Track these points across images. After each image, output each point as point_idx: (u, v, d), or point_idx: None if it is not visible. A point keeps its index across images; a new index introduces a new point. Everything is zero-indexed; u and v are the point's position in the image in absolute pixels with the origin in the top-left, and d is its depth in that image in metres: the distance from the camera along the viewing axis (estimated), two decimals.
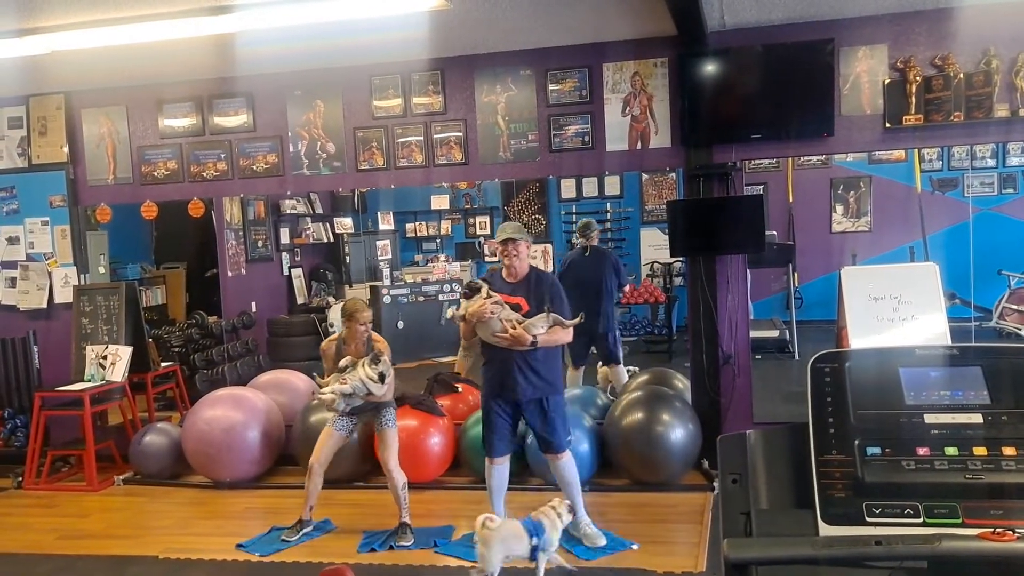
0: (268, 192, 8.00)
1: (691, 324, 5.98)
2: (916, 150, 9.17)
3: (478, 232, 11.40)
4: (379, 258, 11.02)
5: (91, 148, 6.78)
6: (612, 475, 5.68)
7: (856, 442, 1.72)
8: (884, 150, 8.65)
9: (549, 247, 10.70)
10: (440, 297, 10.24)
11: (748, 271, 6.03)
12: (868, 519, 1.62)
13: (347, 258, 11.19)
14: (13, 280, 7.02)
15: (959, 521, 1.57)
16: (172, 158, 6.64)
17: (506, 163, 6.11)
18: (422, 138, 6.20)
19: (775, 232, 9.74)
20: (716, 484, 5.37)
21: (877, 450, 1.70)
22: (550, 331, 4.50)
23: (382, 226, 11.25)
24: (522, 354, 4.53)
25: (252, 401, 6.18)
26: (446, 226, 11.65)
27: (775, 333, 9.27)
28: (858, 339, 4.96)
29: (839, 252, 10.08)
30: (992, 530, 1.43)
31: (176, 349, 8.25)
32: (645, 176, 10.62)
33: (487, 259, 10.89)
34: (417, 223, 11.66)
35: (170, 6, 4.64)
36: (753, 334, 6.07)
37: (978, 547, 1.43)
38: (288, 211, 10.55)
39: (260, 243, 9.93)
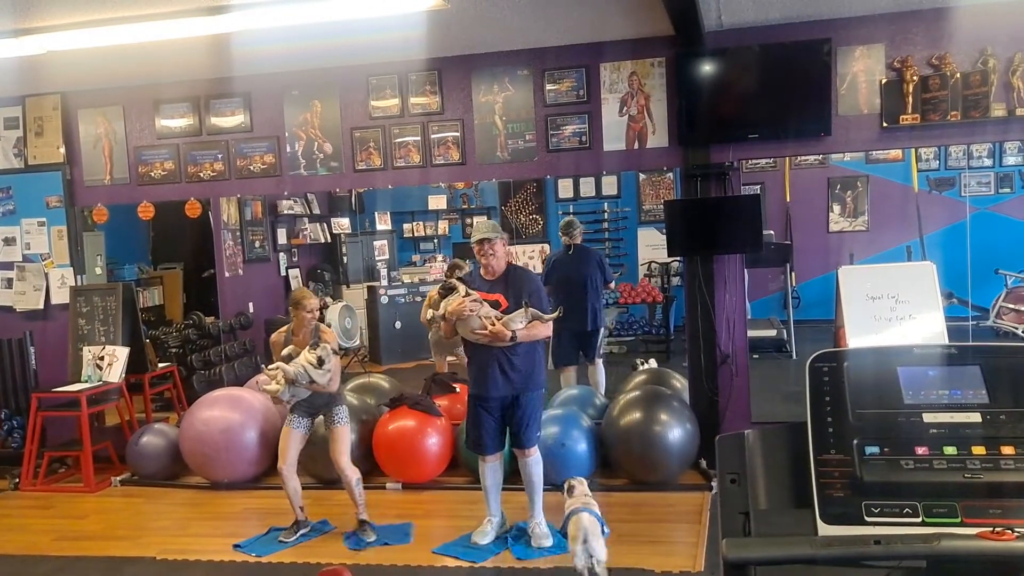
0: (265, 192, 7.98)
1: (689, 324, 5.98)
2: (913, 150, 9.20)
3: None
4: (376, 258, 11.02)
5: (88, 148, 6.77)
6: (610, 475, 5.68)
7: (855, 441, 1.71)
8: (881, 149, 8.67)
9: (546, 247, 10.70)
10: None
11: (745, 271, 6.03)
12: (867, 519, 1.61)
13: (344, 258, 11.18)
14: (10, 281, 7.00)
15: (958, 520, 1.57)
16: (169, 158, 6.63)
17: (503, 163, 6.11)
18: (419, 138, 6.20)
19: (772, 232, 9.75)
20: (714, 484, 5.38)
21: (876, 449, 1.70)
22: (529, 326, 4.54)
23: (379, 226, 11.24)
24: (503, 350, 4.56)
25: (249, 402, 6.17)
26: (443, 226, 11.64)
27: (773, 333, 9.28)
28: (856, 338, 4.95)
29: (836, 252, 10.09)
30: (991, 529, 1.43)
31: (173, 350, 8.24)
32: (642, 176, 10.62)
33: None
34: (414, 223, 11.65)
35: (167, 6, 4.63)
36: (751, 334, 6.08)
37: (977, 546, 1.43)
38: (285, 211, 10.54)
39: (257, 243, 9.92)
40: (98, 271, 7.66)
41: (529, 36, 5.68)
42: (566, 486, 4.32)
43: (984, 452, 1.66)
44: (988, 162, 9.96)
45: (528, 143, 6.03)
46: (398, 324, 9.99)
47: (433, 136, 6.17)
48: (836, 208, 10.59)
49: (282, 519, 5.18)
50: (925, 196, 9.81)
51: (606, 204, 10.71)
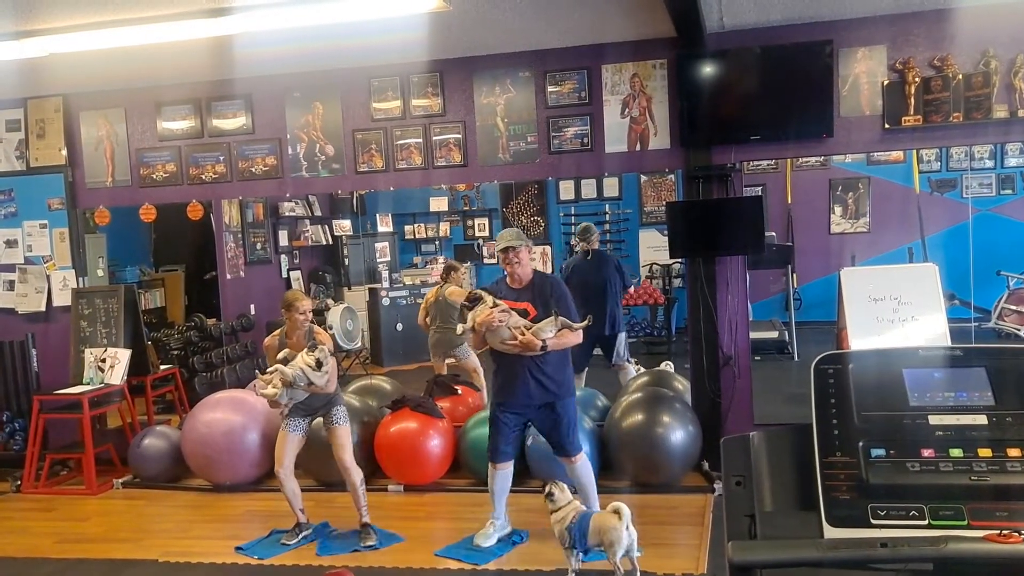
0: (267, 194, 7.97)
1: (691, 325, 5.97)
2: (915, 151, 9.18)
3: (477, 234, 11.38)
4: (378, 260, 11.01)
5: (89, 151, 6.77)
6: (612, 477, 5.66)
7: (860, 444, 1.71)
8: (883, 151, 8.65)
9: (548, 248, 10.69)
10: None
11: (747, 272, 6.02)
12: (873, 521, 1.61)
13: (346, 260, 11.17)
14: (11, 283, 7.01)
15: (965, 523, 1.56)
16: (171, 160, 6.63)
17: (505, 165, 6.11)
18: (421, 140, 6.20)
19: (774, 233, 9.74)
20: (716, 486, 5.37)
21: (881, 452, 1.69)
22: (559, 334, 4.48)
23: (381, 228, 11.23)
24: (533, 359, 4.51)
25: (251, 404, 6.16)
26: (445, 228, 11.63)
27: (774, 334, 9.26)
28: (858, 340, 4.95)
29: (838, 253, 10.08)
30: (998, 532, 1.43)
31: (175, 352, 8.23)
32: (644, 178, 10.61)
33: (486, 261, 10.88)
34: (416, 225, 11.64)
35: (168, 8, 4.63)
36: (752, 335, 6.07)
37: (984, 549, 1.42)
38: (287, 213, 10.53)
39: (259, 245, 9.91)
40: (100, 273, 7.65)
41: (530, 38, 5.68)
42: (546, 491, 4.29)
43: (990, 454, 1.65)
44: (989, 164, 9.95)
45: (530, 145, 6.03)
46: (399, 326, 9.98)
47: (435, 138, 6.17)
48: (837, 210, 10.57)
49: (284, 521, 5.18)
50: (926, 198, 9.79)
51: (607, 206, 10.70)
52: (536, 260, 10.26)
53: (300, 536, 4.99)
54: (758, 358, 7.24)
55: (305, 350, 4.76)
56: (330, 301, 10.22)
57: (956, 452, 1.67)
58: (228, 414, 6.04)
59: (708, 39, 5.48)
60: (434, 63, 6.10)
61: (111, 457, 6.52)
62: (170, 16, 4.71)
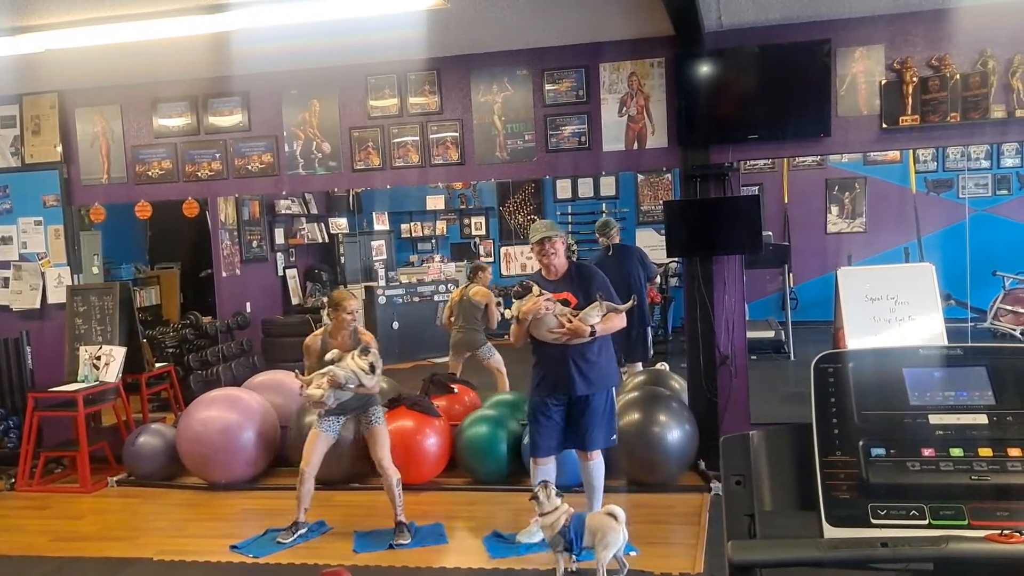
0: (263, 192, 7.97)
1: (688, 325, 5.97)
2: (911, 151, 9.21)
3: (473, 232, 11.39)
4: (374, 258, 11.01)
5: (85, 147, 6.75)
6: (609, 476, 5.58)
7: (860, 443, 1.70)
8: (880, 151, 8.67)
9: None
10: (435, 298, 10.22)
11: (744, 272, 6.02)
12: (873, 521, 1.60)
13: (342, 258, 11.16)
14: (6, 280, 6.98)
15: (965, 523, 1.56)
16: (167, 158, 6.61)
17: (502, 163, 6.10)
18: (418, 138, 6.18)
19: (771, 233, 9.76)
20: (713, 485, 5.37)
21: (882, 451, 1.68)
22: (605, 319, 4.43)
23: (377, 226, 11.23)
24: (577, 348, 4.45)
25: (247, 402, 6.16)
26: (441, 226, 11.64)
27: (771, 334, 9.28)
28: (855, 340, 4.96)
29: (834, 253, 10.09)
30: (999, 532, 1.42)
31: (170, 350, 8.22)
32: (641, 177, 10.62)
33: (482, 259, 10.87)
34: (412, 223, 11.65)
35: (165, 4, 4.61)
36: (749, 335, 6.07)
37: (985, 549, 1.41)
38: (283, 211, 10.52)
39: (255, 243, 9.90)
40: (95, 270, 7.64)
41: (528, 36, 5.67)
42: (532, 494, 4.27)
43: (991, 454, 1.64)
44: (986, 164, 9.96)
45: (527, 143, 6.02)
46: (396, 324, 9.99)
47: (432, 136, 6.16)
48: (834, 209, 10.59)
49: (279, 520, 5.16)
50: (923, 198, 9.81)
51: (604, 205, 10.71)
52: (533, 259, 10.25)
53: (296, 535, 4.97)
54: (754, 357, 7.25)
55: (356, 352, 4.72)
56: (326, 299, 10.20)
57: (956, 452, 1.66)
58: (223, 412, 6.02)
59: (706, 38, 5.47)
60: (431, 61, 6.09)
61: (106, 455, 6.50)
62: (166, 12, 4.69)
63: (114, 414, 6.69)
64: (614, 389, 4.73)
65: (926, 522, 1.58)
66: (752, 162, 8.98)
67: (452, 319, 7.41)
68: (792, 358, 8.96)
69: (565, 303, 4.49)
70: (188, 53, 5.67)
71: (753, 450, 1.80)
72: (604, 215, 7.76)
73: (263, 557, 4.79)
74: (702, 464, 5.68)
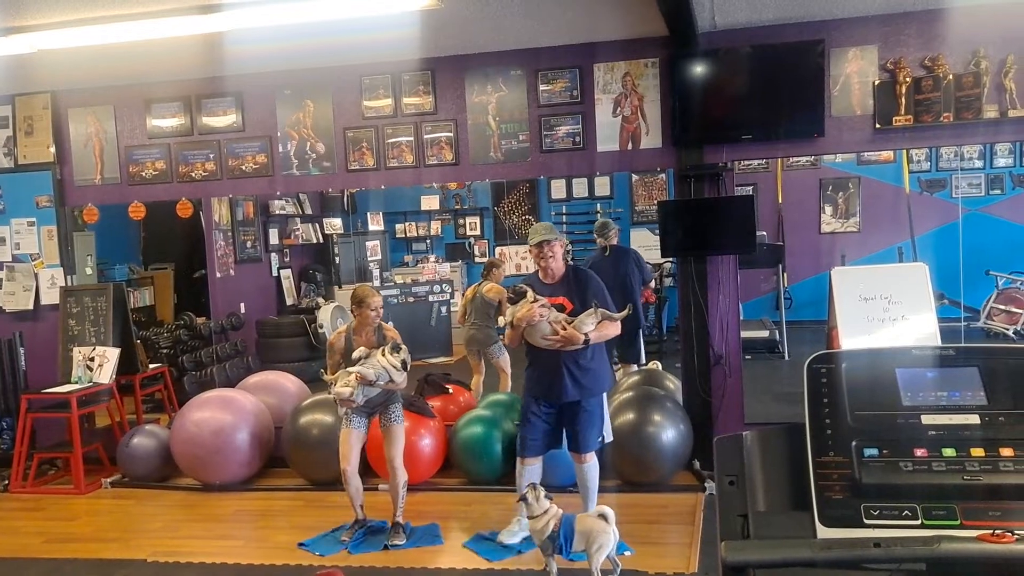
0: (257, 192, 7.94)
1: (682, 325, 5.98)
2: (905, 151, 9.23)
3: (468, 233, 11.38)
4: (369, 259, 10.99)
5: (78, 148, 6.73)
6: (603, 476, 5.59)
7: (853, 443, 1.70)
8: (874, 151, 8.69)
9: None
10: (430, 298, 10.21)
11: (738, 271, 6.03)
12: (866, 521, 1.60)
13: (336, 259, 11.14)
14: None
15: (957, 523, 1.56)
16: (160, 158, 6.59)
17: (497, 163, 6.10)
18: (412, 138, 6.18)
19: (765, 233, 9.77)
20: (707, 485, 5.38)
21: (874, 451, 1.69)
22: (599, 326, 4.43)
23: (372, 227, 11.21)
24: (571, 354, 4.45)
25: (241, 403, 6.15)
26: (436, 227, 11.62)
27: (765, 334, 9.29)
28: (849, 339, 4.97)
29: (828, 253, 10.12)
30: (991, 532, 1.43)
31: (164, 351, 8.20)
32: (635, 177, 10.62)
33: (477, 260, 10.87)
34: (407, 224, 11.63)
35: (158, 4, 4.60)
36: (743, 334, 6.08)
37: (977, 549, 1.42)
38: (277, 212, 10.50)
39: (249, 244, 9.87)
40: (88, 271, 7.59)
41: (522, 36, 5.67)
42: (519, 496, 4.25)
43: (983, 454, 1.65)
44: (979, 163, 9.99)
45: (521, 143, 6.02)
46: (390, 324, 9.96)
47: (426, 136, 6.15)
48: (828, 209, 10.61)
49: (274, 520, 5.16)
50: (916, 197, 9.84)
51: (599, 205, 10.70)
52: (528, 259, 10.25)
53: (358, 532, 4.93)
54: (749, 357, 7.26)
55: (387, 349, 4.71)
56: (321, 300, 10.21)
57: (949, 452, 1.67)
58: (217, 413, 6.01)
59: (700, 38, 5.48)
60: (426, 61, 6.09)
61: (99, 456, 6.49)
62: (160, 12, 4.68)
63: (108, 415, 6.67)
64: (605, 394, 4.74)
65: (919, 522, 1.58)
66: (746, 162, 8.99)
67: (466, 316, 7.41)
68: (786, 358, 8.98)
69: (560, 308, 4.48)
70: (181, 53, 5.66)
71: (747, 450, 1.80)
72: (600, 217, 7.75)
73: (328, 555, 4.75)
74: (696, 464, 5.69)
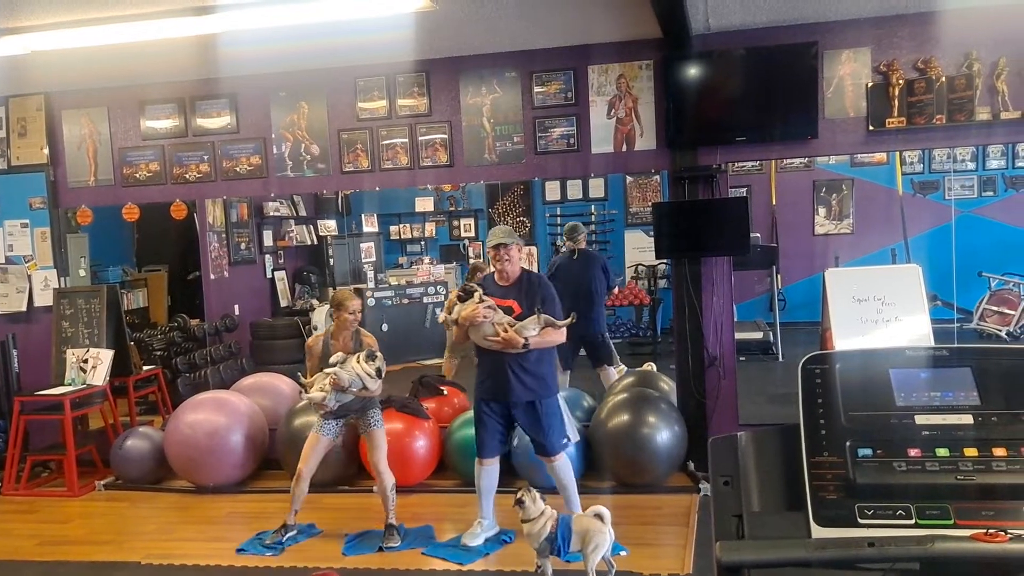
0: (251, 194, 7.93)
1: (676, 326, 5.99)
2: (898, 153, 9.26)
3: (462, 234, 11.38)
4: (363, 260, 10.98)
5: (72, 150, 6.71)
6: (597, 477, 5.67)
7: (847, 444, 1.71)
8: (867, 153, 8.71)
9: (534, 249, 10.69)
10: (425, 299, 10.21)
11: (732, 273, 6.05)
12: (860, 521, 1.61)
13: (331, 260, 11.13)
14: None
15: (951, 522, 1.57)
16: (154, 160, 6.58)
17: (491, 165, 6.10)
18: (407, 140, 6.18)
19: (759, 234, 9.79)
20: (702, 486, 5.39)
21: (868, 452, 1.69)
22: (542, 332, 4.51)
23: (366, 228, 11.21)
24: (515, 356, 4.54)
25: (235, 405, 6.14)
26: (430, 228, 11.62)
27: (759, 335, 9.31)
28: (842, 340, 4.99)
29: (822, 254, 10.14)
30: (984, 531, 1.44)
31: (158, 352, 8.17)
32: (629, 178, 10.63)
33: (471, 262, 10.86)
34: (401, 225, 11.63)
35: (152, 6, 4.60)
36: (737, 336, 6.09)
37: (971, 548, 1.43)
38: (271, 213, 10.48)
39: (243, 245, 9.86)
40: (82, 273, 7.58)
41: (517, 38, 5.68)
42: (516, 498, 4.25)
43: (976, 454, 1.65)
44: (971, 165, 10.03)
45: (516, 145, 6.03)
46: (385, 327, 9.95)
47: (421, 138, 6.16)
48: (821, 211, 10.64)
49: (269, 523, 5.16)
50: (909, 199, 9.87)
51: (593, 207, 10.71)
52: (523, 260, 10.25)
53: (287, 536, 4.96)
54: (743, 359, 7.27)
55: (362, 356, 4.72)
56: (315, 302, 10.20)
57: (942, 452, 1.67)
58: (211, 415, 6.00)
59: (694, 40, 5.50)
60: (420, 63, 6.09)
61: (93, 459, 6.47)
62: (154, 14, 4.68)
63: (101, 417, 6.65)
64: (557, 396, 4.82)
65: (912, 522, 1.59)
66: (740, 164, 9.02)
67: (443, 324, 7.38)
68: (780, 359, 8.99)
69: (509, 310, 4.57)
70: (176, 55, 5.65)
71: (741, 451, 1.80)
72: (571, 221, 7.80)
73: (275, 555, 4.77)
74: (691, 465, 5.70)
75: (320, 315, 9.05)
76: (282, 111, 6.34)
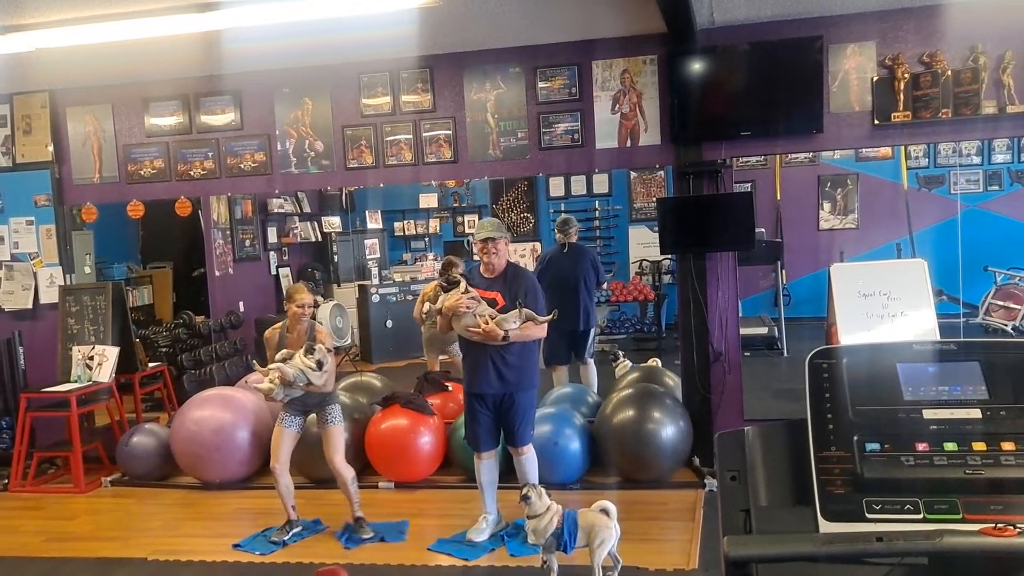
0: (256, 191, 7.96)
1: (681, 321, 5.98)
2: (903, 147, 9.24)
3: (466, 230, 11.38)
4: (367, 257, 10.99)
5: (76, 147, 6.72)
6: (603, 473, 5.67)
7: (855, 438, 1.70)
8: (873, 147, 8.70)
9: (537, 245, 10.70)
10: None
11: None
12: (868, 515, 1.60)
13: (335, 257, 11.15)
14: None
15: (959, 517, 1.56)
16: (159, 157, 6.59)
17: (495, 161, 6.10)
18: (411, 136, 6.17)
19: (763, 229, 9.79)
20: (707, 481, 5.38)
21: (876, 446, 1.69)
22: (523, 326, 4.56)
23: (370, 225, 11.23)
24: (497, 349, 4.60)
25: (241, 401, 6.14)
26: (434, 224, 11.64)
27: (764, 330, 9.30)
28: (848, 335, 4.97)
29: (827, 249, 10.14)
30: (993, 525, 1.43)
31: (163, 349, 8.20)
32: (633, 174, 10.64)
33: (475, 258, 10.86)
34: (405, 222, 11.64)
35: (156, 3, 4.60)
36: (742, 331, 6.09)
37: (979, 542, 1.42)
38: (276, 210, 10.51)
39: (247, 242, 9.88)
40: (87, 270, 7.60)
41: (521, 33, 5.67)
42: (522, 494, 4.26)
43: (985, 448, 1.65)
44: (977, 160, 10.02)
45: (520, 141, 6.02)
46: (389, 323, 9.97)
47: (425, 134, 6.15)
48: (826, 206, 10.63)
49: (275, 519, 5.16)
50: (914, 194, 9.86)
51: (597, 202, 10.73)
52: (526, 257, 10.27)
53: (291, 533, 4.97)
54: (748, 354, 7.27)
55: (303, 351, 4.74)
56: (320, 298, 10.20)
57: (950, 446, 1.67)
58: (217, 412, 6.01)
59: (698, 35, 5.48)
60: (424, 59, 6.08)
61: (99, 455, 6.48)
62: (158, 11, 4.67)
63: (107, 414, 6.66)
64: (535, 391, 4.88)
65: (920, 516, 1.58)
66: (745, 159, 9.02)
67: (425, 315, 7.39)
68: (785, 354, 8.98)
69: (493, 303, 4.63)
70: (180, 52, 5.65)
71: (748, 446, 1.80)
72: (563, 215, 7.80)
73: (269, 555, 4.78)
74: (696, 460, 5.69)
75: (325, 311, 9.06)
76: (286, 107, 6.34)
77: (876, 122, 5.46)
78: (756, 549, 1.56)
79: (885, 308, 5.06)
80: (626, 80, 5.83)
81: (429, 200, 11.39)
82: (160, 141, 6.58)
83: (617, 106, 5.86)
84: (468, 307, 4.55)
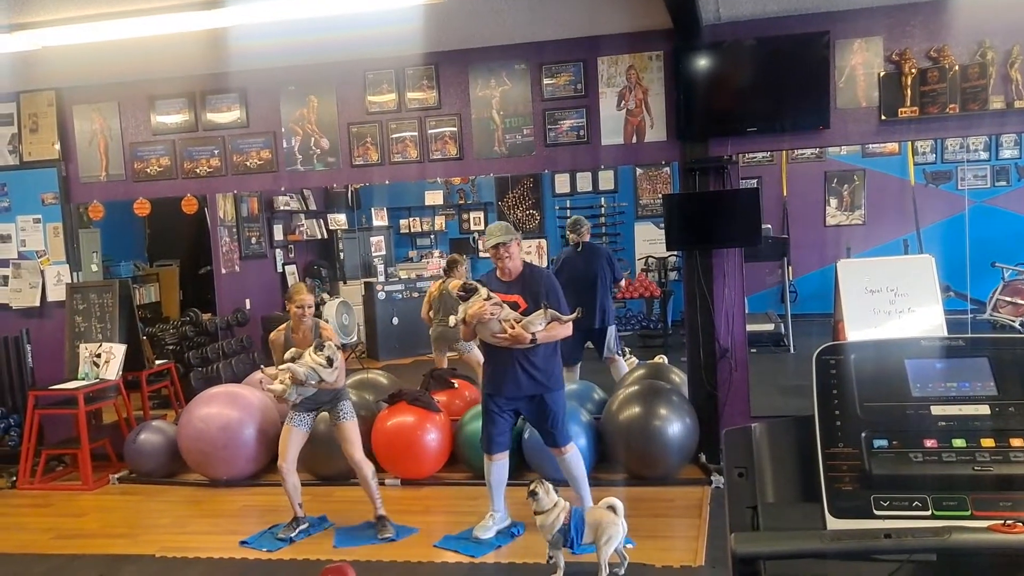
0: (262, 188, 7.96)
1: (688, 318, 5.97)
2: (910, 143, 9.21)
3: (472, 228, 11.39)
4: (373, 254, 11.00)
5: (83, 145, 6.73)
6: (609, 469, 5.67)
7: (863, 435, 1.70)
8: (880, 143, 8.69)
9: (543, 242, 10.69)
10: None
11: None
12: (876, 512, 1.60)
13: (341, 254, 11.15)
14: (5, 278, 6.97)
15: (968, 513, 1.56)
16: (165, 155, 6.60)
17: (501, 158, 6.09)
18: (416, 133, 6.17)
19: (770, 226, 9.76)
20: (714, 478, 5.38)
21: (884, 442, 1.68)
22: (548, 327, 4.50)
23: (376, 222, 11.23)
24: (523, 352, 4.54)
25: (248, 398, 6.15)
26: (440, 222, 11.63)
27: (770, 327, 9.28)
28: (855, 332, 4.96)
29: (833, 245, 10.11)
30: (1002, 522, 1.42)
31: (170, 347, 8.22)
32: (639, 170, 10.62)
33: (481, 255, 10.87)
34: (411, 219, 11.64)
35: (162, 1, 4.60)
36: (748, 328, 6.07)
37: (988, 539, 1.42)
38: (282, 207, 10.51)
39: (254, 240, 9.89)
40: (94, 268, 7.63)
41: (526, 30, 5.66)
42: (529, 490, 4.25)
43: (993, 445, 1.64)
44: (984, 155, 9.97)
45: (526, 137, 6.01)
46: (395, 320, 9.98)
47: (430, 131, 6.15)
48: (833, 202, 10.60)
49: (282, 516, 5.17)
50: (922, 189, 9.82)
51: (603, 199, 10.71)
52: (532, 254, 10.26)
53: (298, 530, 4.98)
54: (754, 351, 7.25)
55: (312, 349, 4.74)
56: (325, 295, 10.22)
57: (959, 442, 1.66)
58: (224, 409, 6.02)
59: (704, 31, 5.47)
60: (429, 56, 6.08)
61: (107, 452, 6.51)
62: (163, 9, 4.68)
63: (115, 411, 6.68)
64: (564, 389, 4.83)
65: (929, 513, 1.58)
66: (751, 155, 8.99)
67: (432, 313, 7.42)
68: (792, 351, 8.96)
69: (514, 306, 4.57)
70: (185, 50, 5.66)
71: (755, 442, 1.80)
72: (573, 216, 7.82)
73: (276, 551, 4.80)
74: (703, 457, 5.68)
75: (331, 309, 9.07)
76: (292, 105, 6.34)
77: (883, 118, 5.44)
78: (763, 546, 1.56)
79: (892, 304, 5.04)
80: (632, 76, 5.82)
81: (435, 197, 11.39)
82: (166, 139, 6.59)
83: (623, 102, 5.85)
84: (492, 313, 4.47)
